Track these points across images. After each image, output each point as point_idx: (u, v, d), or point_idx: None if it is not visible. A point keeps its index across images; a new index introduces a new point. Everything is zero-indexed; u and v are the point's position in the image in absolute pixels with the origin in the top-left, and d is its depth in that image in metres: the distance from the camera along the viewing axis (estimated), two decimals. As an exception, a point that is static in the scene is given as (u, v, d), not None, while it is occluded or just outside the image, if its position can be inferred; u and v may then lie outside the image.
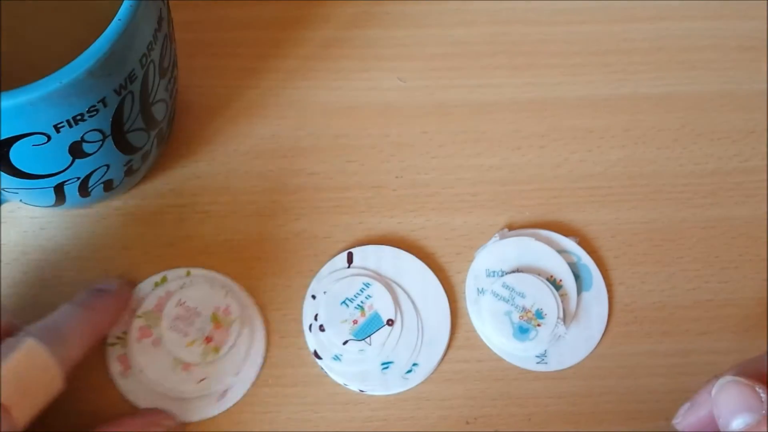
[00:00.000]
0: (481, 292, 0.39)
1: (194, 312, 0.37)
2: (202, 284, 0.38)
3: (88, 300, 0.36)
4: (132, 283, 0.38)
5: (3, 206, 0.40)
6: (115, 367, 0.37)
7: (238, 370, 0.37)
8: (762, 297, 0.40)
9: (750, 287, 0.40)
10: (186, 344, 0.37)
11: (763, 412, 0.29)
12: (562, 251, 0.40)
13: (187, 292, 0.38)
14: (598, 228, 0.41)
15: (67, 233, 0.40)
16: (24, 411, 0.30)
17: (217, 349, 0.37)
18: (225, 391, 0.37)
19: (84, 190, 0.35)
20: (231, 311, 0.37)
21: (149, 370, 0.37)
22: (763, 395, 0.30)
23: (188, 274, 0.39)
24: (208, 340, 0.37)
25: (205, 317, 0.37)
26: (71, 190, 0.35)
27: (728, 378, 0.31)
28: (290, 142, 0.42)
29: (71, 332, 0.33)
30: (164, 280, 0.38)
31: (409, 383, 0.38)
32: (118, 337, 0.37)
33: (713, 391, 0.31)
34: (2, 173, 0.32)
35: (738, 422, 0.30)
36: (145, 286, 0.38)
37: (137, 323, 0.37)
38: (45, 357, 0.31)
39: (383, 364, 0.38)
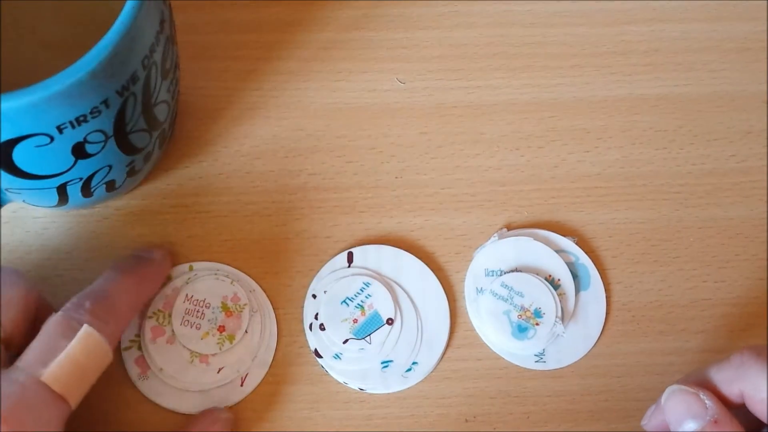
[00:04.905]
0: (480, 291, 0.39)
1: (203, 304, 0.38)
2: (207, 276, 0.38)
3: (133, 268, 0.36)
4: (170, 254, 0.39)
5: (6, 206, 0.40)
6: (133, 370, 0.37)
7: (255, 354, 0.38)
8: (759, 296, 0.40)
9: (747, 287, 0.40)
10: (200, 337, 0.37)
11: (708, 418, 0.30)
12: (560, 251, 0.40)
13: (194, 286, 0.38)
14: (596, 228, 0.41)
15: (70, 233, 0.40)
16: (78, 396, 0.31)
17: (231, 337, 0.37)
18: (245, 377, 0.37)
19: (87, 190, 0.36)
20: (239, 298, 0.38)
21: (168, 367, 0.37)
22: (708, 402, 0.30)
23: (191, 268, 0.39)
24: (222, 329, 0.37)
25: (215, 308, 0.38)
26: (74, 191, 0.35)
27: (675, 386, 0.31)
28: (291, 143, 0.42)
29: (121, 306, 0.33)
30: (169, 278, 0.39)
31: (408, 382, 0.38)
32: (132, 340, 0.38)
33: (662, 399, 0.32)
34: (5, 174, 0.32)
35: (685, 429, 0.30)
36: None
37: (149, 324, 0.38)
38: (101, 342, 0.31)
39: (383, 362, 0.38)
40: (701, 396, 0.30)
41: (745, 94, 0.44)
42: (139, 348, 0.38)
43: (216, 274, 0.38)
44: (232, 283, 0.38)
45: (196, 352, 0.37)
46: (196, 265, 0.39)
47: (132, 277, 0.35)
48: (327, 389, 0.38)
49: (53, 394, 0.30)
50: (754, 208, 0.42)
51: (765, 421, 0.31)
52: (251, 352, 0.38)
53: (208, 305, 0.38)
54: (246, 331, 0.38)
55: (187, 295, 0.38)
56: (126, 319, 0.34)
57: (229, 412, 0.37)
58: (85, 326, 0.31)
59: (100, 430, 0.37)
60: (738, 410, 0.31)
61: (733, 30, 0.45)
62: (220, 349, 0.37)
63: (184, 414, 0.37)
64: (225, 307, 0.38)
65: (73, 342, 0.31)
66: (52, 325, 0.31)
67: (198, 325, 0.37)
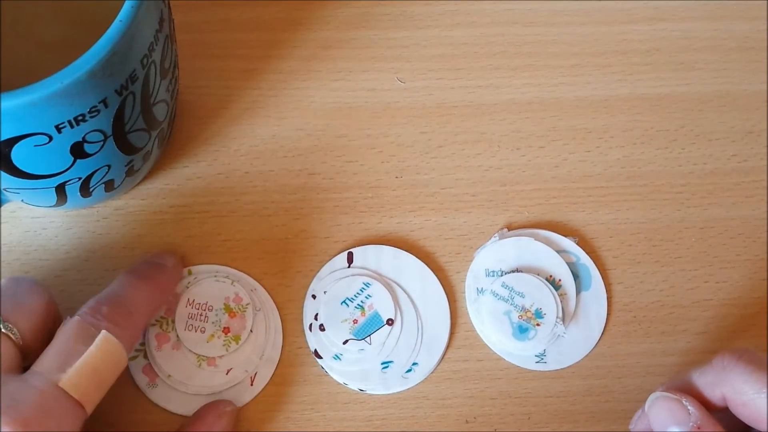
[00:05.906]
0: (480, 291, 0.39)
1: (206, 307, 0.37)
2: (207, 279, 0.38)
3: (148, 273, 0.36)
4: (182, 261, 0.39)
5: (4, 206, 0.40)
6: (141, 380, 0.37)
7: (262, 352, 0.38)
8: (760, 297, 0.40)
9: (748, 287, 0.40)
10: (206, 340, 0.37)
11: (691, 424, 0.30)
12: (561, 251, 0.40)
13: (194, 289, 0.38)
14: (597, 228, 0.41)
15: (69, 233, 0.40)
16: (95, 402, 0.31)
17: (237, 338, 0.37)
18: (254, 376, 0.37)
19: (85, 190, 0.35)
20: (242, 297, 0.38)
21: (176, 374, 0.37)
22: (691, 408, 0.30)
23: (190, 272, 0.39)
24: (227, 330, 0.37)
25: (218, 309, 0.37)
26: (72, 191, 0.35)
27: (658, 393, 0.32)
28: (290, 143, 0.42)
29: (136, 311, 0.33)
30: None
31: (408, 382, 0.38)
32: (137, 350, 0.37)
33: (646, 406, 0.32)
34: (4, 173, 0.32)
35: None
36: None
37: (153, 331, 0.37)
38: (118, 348, 0.31)
39: (383, 363, 0.38)
40: (684, 402, 0.31)
41: (747, 94, 0.44)
42: (145, 356, 0.37)
43: (216, 276, 0.38)
44: (232, 283, 0.38)
45: (203, 356, 0.37)
46: (194, 268, 0.39)
47: (147, 283, 0.35)
48: (327, 390, 0.38)
49: (71, 399, 0.30)
50: (755, 208, 0.42)
51: (747, 423, 0.31)
52: (258, 350, 0.38)
53: (210, 308, 0.38)
54: (251, 330, 0.37)
55: (188, 299, 0.38)
56: (141, 324, 0.34)
57: (233, 403, 0.36)
58: (104, 332, 0.31)
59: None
60: (721, 413, 0.31)
61: (735, 29, 0.45)
62: (227, 350, 0.37)
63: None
64: (228, 308, 0.38)
65: (92, 348, 0.30)
66: (68, 329, 0.31)
67: (202, 329, 0.37)
